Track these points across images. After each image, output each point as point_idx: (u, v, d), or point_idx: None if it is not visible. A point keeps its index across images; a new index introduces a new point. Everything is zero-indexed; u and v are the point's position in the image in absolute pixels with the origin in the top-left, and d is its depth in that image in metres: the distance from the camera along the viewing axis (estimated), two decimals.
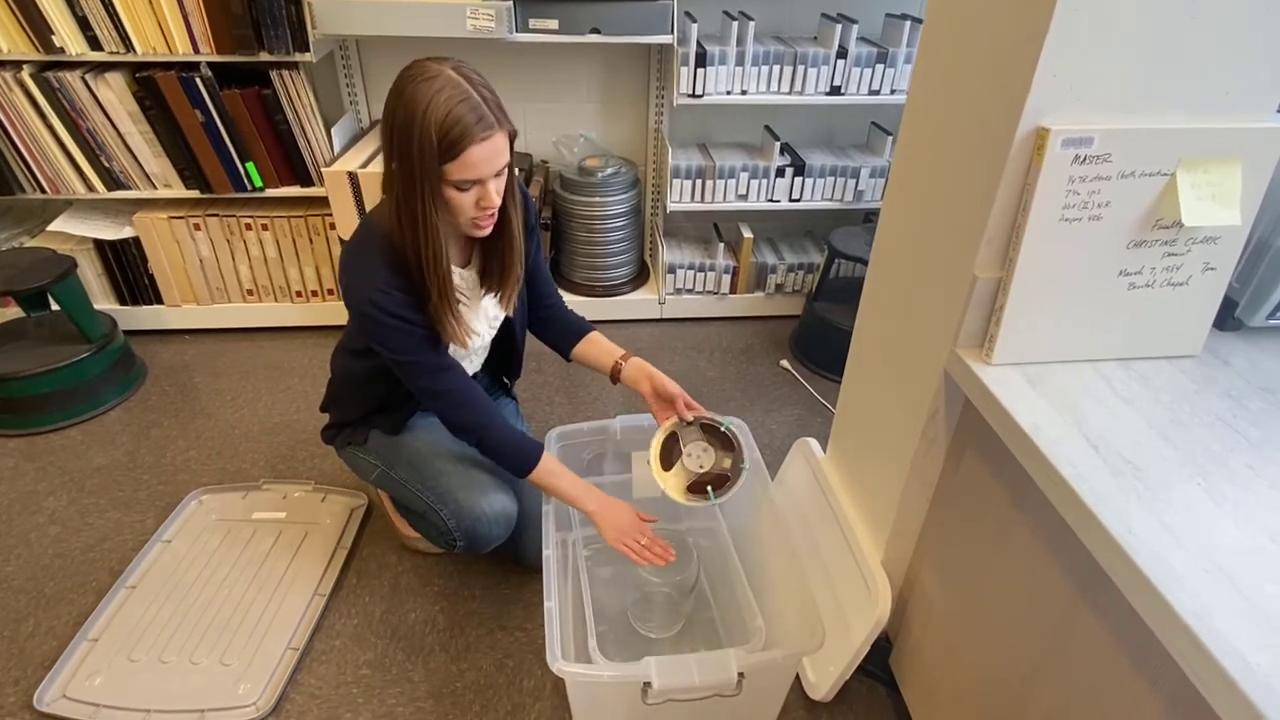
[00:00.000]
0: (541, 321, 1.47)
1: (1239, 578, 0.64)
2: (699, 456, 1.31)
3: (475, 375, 1.50)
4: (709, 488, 1.26)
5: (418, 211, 1.09)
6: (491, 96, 1.06)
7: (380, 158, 2.04)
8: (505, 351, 1.50)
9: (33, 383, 1.87)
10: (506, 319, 1.41)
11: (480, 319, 1.34)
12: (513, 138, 1.11)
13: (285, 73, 1.96)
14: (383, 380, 1.33)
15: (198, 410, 2.02)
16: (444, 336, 1.22)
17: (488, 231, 1.17)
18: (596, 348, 1.44)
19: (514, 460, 1.28)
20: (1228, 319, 0.98)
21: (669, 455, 1.32)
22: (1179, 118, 0.80)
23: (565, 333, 1.46)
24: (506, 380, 1.65)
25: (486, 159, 1.06)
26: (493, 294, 1.32)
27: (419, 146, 1.02)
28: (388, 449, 1.41)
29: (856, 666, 1.22)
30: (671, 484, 1.29)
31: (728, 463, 1.28)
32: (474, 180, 1.07)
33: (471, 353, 1.38)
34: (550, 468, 1.29)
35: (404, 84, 1.04)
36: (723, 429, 1.32)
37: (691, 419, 1.33)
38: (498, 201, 1.11)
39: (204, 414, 2.00)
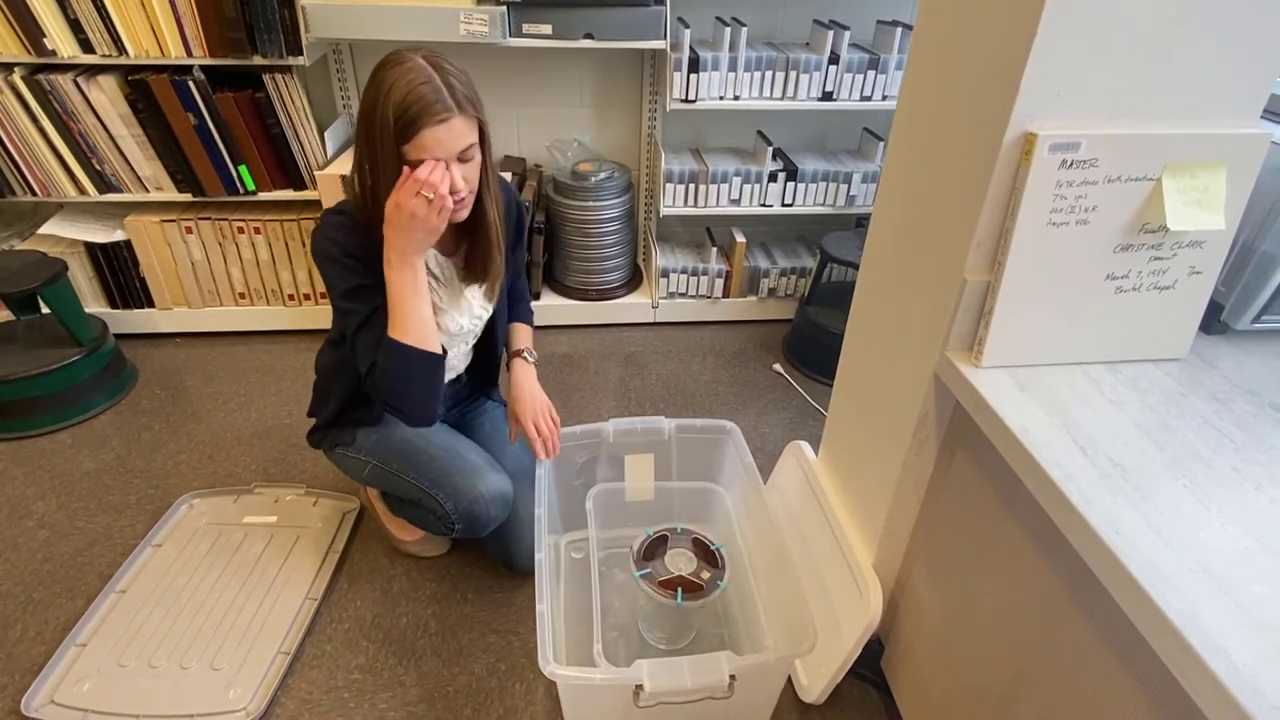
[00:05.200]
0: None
1: (1225, 578, 0.64)
2: (681, 563, 1.34)
3: (460, 379, 1.52)
4: (679, 589, 1.28)
5: (381, 191, 1.11)
6: (460, 84, 1.09)
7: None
8: (486, 352, 1.51)
9: (22, 386, 1.86)
10: (491, 320, 1.43)
11: (463, 311, 1.35)
12: (482, 126, 1.14)
13: (278, 76, 1.96)
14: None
15: (189, 414, 2.01)
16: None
17: (464, 215, 1.19)
18: (511, 334, 1.54)
19: (420, 357, 1.18)
20: (1213, 322, 0.99)
21: (652, 553, 1.35)
22: (1165, 123, 0.81)
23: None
24: (489, 388, 1.65)
25: (441, 141, 1.07)
26: (477, 285, 1.34)
27: (379, 127, 1.06)
28: (377, 444, 1.40)
29: (848, 669, 1.22)
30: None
31: (706, 575, 1.32)
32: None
33: (454, 338, 1.37)
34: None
35: (376, 71, 1.08)
36: (712, 548, 1.37)
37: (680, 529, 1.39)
38: (462, 185, 1.12)
39: (195, 417, 1.99)
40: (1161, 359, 0.95)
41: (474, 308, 1.37)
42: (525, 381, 1.45)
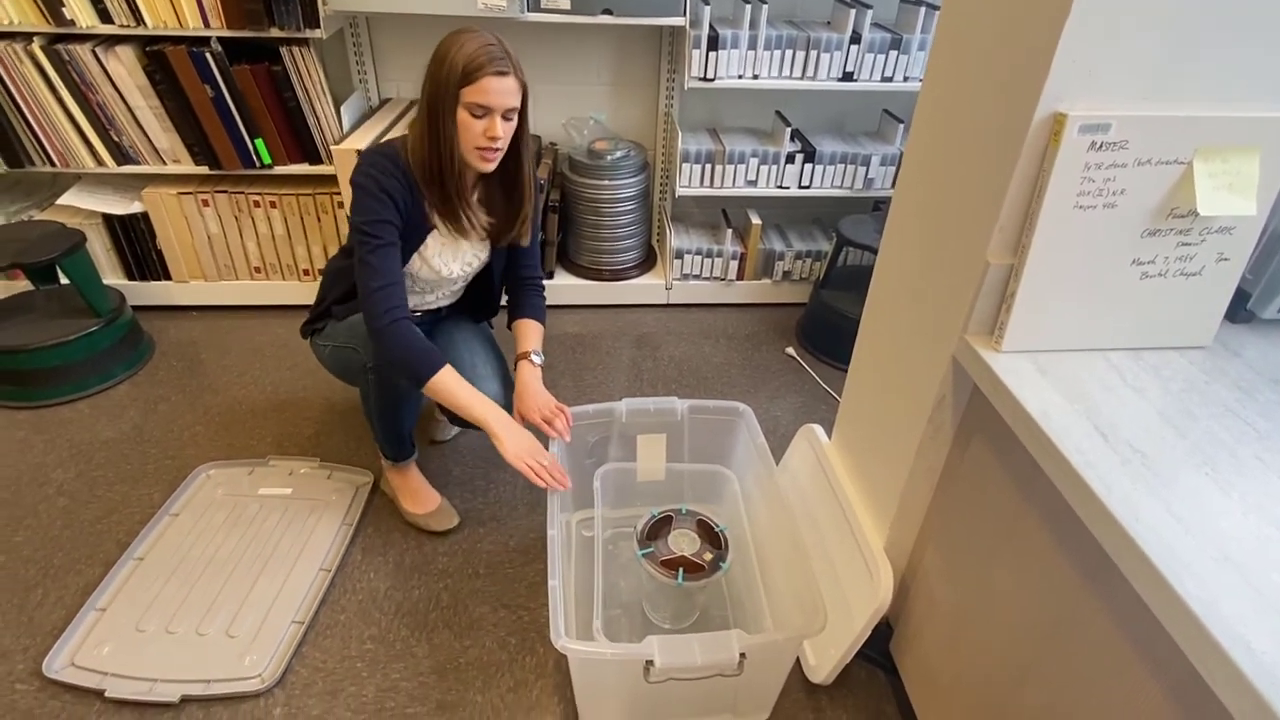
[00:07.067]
0: (513, 284, 1.62)
1: (1246, 567, 0.64)
2: (684, 543, 1.35)
3: (441, 309, 1.62)
4: (681, 569, 1.29)
5: (439, 125, 1.27)
6: (516, 58, 1.28)
7: (388, 137, 2.04)
8: (482, 292, 1.63)
9: (41, 355, 1.88)
10: (487, 267, 1.55)
11: (457, 258, 1.48)
12: (525, 94, 1.30)
13: (295, 49, 1.95)
14: (354, 273, 1.43)
15: (205, 386, 2.03)
16: (455, 227, 1.41)
17: (491, 166, 1.33)
18: (522, 333, 1.58)
19: (414, 359, 1.32)
20: (1239, 310, 0.97)
21: (656, 533, 1.36)
22: (1197, 106, 0.80)
23: (518, 306, 1.61)
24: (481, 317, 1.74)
25: (498, 91, 1.24)
26: (480, 239, 1.48)
27: (446, 72, 1.24)
28: (336, 328, 1.51)
29: (857, 651, 1.23)
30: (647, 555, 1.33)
31: (709, 556, 1.32)
32: (484, 107, 1.25)
33: (443, 280, 1.50)
34: (453, 376, 1.33)
35: (448, 35, 1.26)
36: (717, 529, 1.37)
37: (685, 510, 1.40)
38: (500, 134, 1.28)
39: (211, 389, 2.01)
40: (1185, 346, 0.94)
41: (467, 255, 1.49)
42: (531, 382, 1.49)
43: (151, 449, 1.80)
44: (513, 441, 1.31)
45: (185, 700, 1.26)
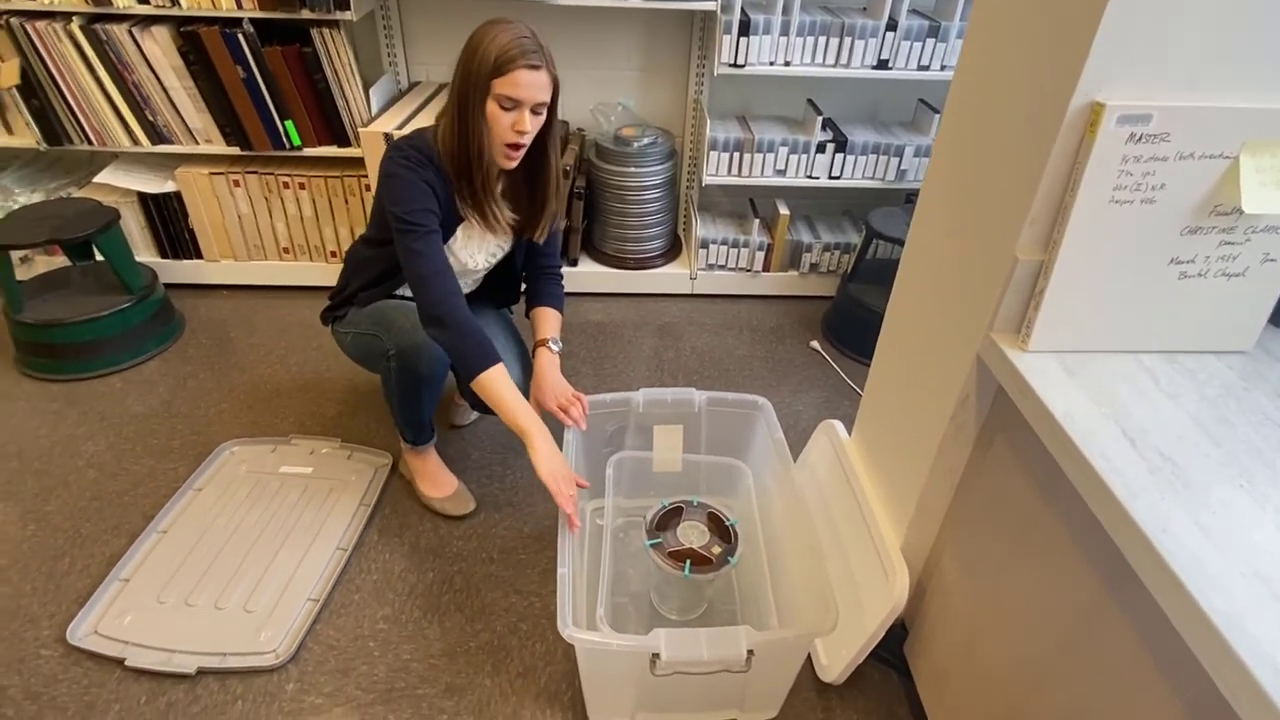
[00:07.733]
0: (533, 272, 1.62)
1: (1277, 583, 0.61)
2: (693, 535, 1.33)
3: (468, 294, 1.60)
4: (688, 560, 1.27)
5: (468, 116, 1.27)
6: (549, 52, 1.27)
7: (416, 121, 2.04)
8: (503, 280, 1.63)
9: (76, 330, 1.92)
10: (507, 256, 1.56)
11: (481, 250, 1.50)
12: (556, 90, 1.30)
13: (326, 31, 1.96)
14: (379, 261, 1.48)
15: (232, 364, 2.06)
16: (481, 221, 1.41)
17: (512, 164, 1.33)
18: (540, 320, 1.58)
19: (469, 350, 1.30)
20: None
21: (665, 524, 1.35)
22: (1245, 96, 0.75)
23: (536, 294, 1.61)
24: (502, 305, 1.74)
25: (529, 85, 1.23)
26: (505, 233, 1.47)
27: (479, 62, 1.23)
28: (358, 315, 1.52)
29: (870, 651, 1.21)
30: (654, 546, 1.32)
31: (717, 550, 1.31)
32: (514, 100, 1.24)
33: (467, 272, 1.52)
34: (503, 375, 1.31)
35: (479, 29, 1.25)
36: (727, 523, 1.36)
37: (696, 502, 1.38)
38: (528, 129, 1.27)
39: (238, 368, 2.04)
40: (1224, 351, 0.90)
41: (491, 246, 1.51)
42: (548, 371, 1.49)
43: (179, 424, 1.83)
44: (550, 461, 1.27)
45: (201, 672, 1.29)
